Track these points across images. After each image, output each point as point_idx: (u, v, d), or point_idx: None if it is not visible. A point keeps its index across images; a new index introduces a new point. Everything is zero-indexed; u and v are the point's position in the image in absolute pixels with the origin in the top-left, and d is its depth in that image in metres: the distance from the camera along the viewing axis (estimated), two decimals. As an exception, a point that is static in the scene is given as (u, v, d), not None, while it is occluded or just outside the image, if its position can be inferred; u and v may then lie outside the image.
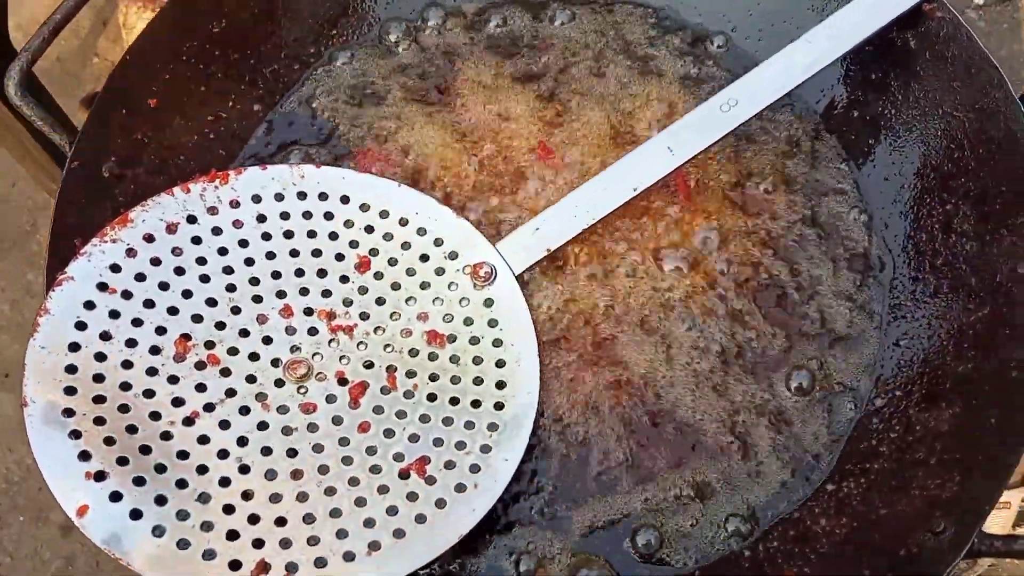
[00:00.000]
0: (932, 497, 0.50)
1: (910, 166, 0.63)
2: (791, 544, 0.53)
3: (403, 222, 0.62)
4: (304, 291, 0.59)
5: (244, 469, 0.52)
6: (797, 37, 0.60)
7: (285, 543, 0.50)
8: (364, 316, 0.59)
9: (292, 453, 0.54)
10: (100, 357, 0.53)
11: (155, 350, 0.55)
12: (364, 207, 0.62)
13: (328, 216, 0.62)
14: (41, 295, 1.27)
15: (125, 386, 0.53)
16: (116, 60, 0.61)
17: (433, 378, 0.57)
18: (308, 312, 0.59)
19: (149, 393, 0.53)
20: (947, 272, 0.58)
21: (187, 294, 0.57)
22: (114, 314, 0.55)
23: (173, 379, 0.54)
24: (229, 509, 0.51)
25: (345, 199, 0.62)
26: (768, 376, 0.59)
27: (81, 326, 0.54)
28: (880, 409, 0.57)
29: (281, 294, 0.59)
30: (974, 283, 0.56)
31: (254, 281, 0.59)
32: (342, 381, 0.57)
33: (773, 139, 0.67)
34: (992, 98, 0.58)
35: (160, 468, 0.51)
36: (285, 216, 0.61)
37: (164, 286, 0.57)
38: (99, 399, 0.52)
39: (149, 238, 0.58)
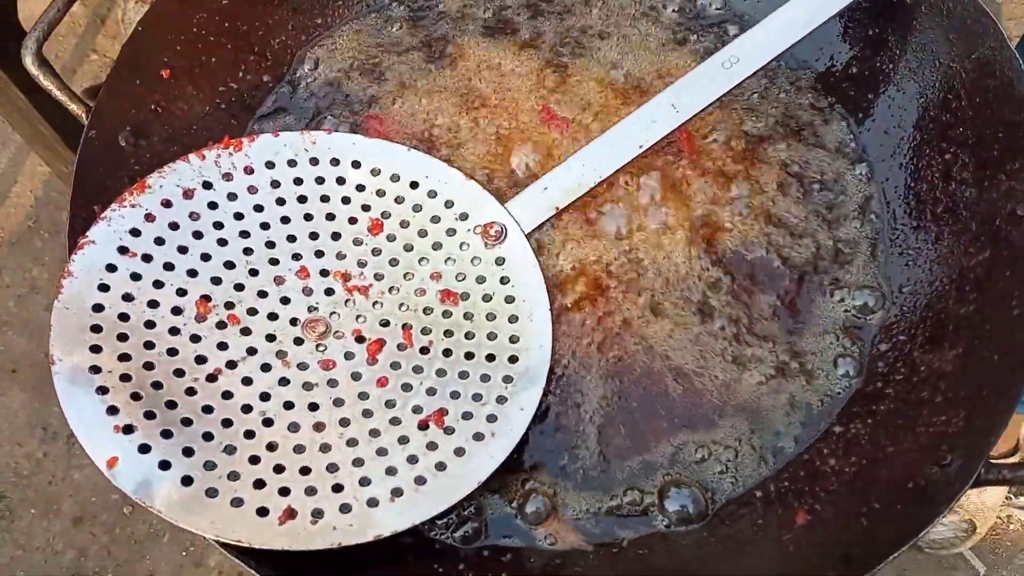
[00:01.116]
0: (938, 433, 0.52)
1: (909, 118, 0.64)
2: (802, 484, 0.55)
3: (414, 185, 0.63)
4: (319, 253, 0.61)
5: (268, 422, 0.54)
6: (795, -4, 0.62)
7: (310, 491, 0.51)
8: (379, 276, 0.61)
9: (313, 407, 0.55)
10: (123, 317, 0.54)
11: (176, 311, 0.56)
12: (375, 171, 0.63)
13: (340, 181, 0.63)
14: (47, 291, 1.28)
15: (149, 345, 0.54)
16: (115, 57, 0.62)
17: (448, 334, 0.59)
18: (324, 273, 0.60)
19: (172, 351, 0.55)
20: (948, 219, 0.60)
21: (205, 257, 0.58)
22: (135, 276, 0.56)
23: (195, 338, 0.56)
24: (255, 460, 0.52)
25: (356, 164, 0.63)
26: (775, 325, 0.60)
27: (104, 288, 0.55)
28: (885, 353, 0.59)
29: (297, 256, 0.60)
30: (974, 228, 0.58)
31: (270, 244, 0.60)
32: (359, 339, 0.58)
33: (774, 95, 0.68)
34: (988, 48, 0.59)
35: (186, 421, 0.52)
36: (298, 181, 0.62)
37: (183, 249, 0.58)
38: (124, 357, 0.53)
39: (167, 203, 0.59)
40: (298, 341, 0.57)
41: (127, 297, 0.55)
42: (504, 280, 0.61)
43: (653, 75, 0.69)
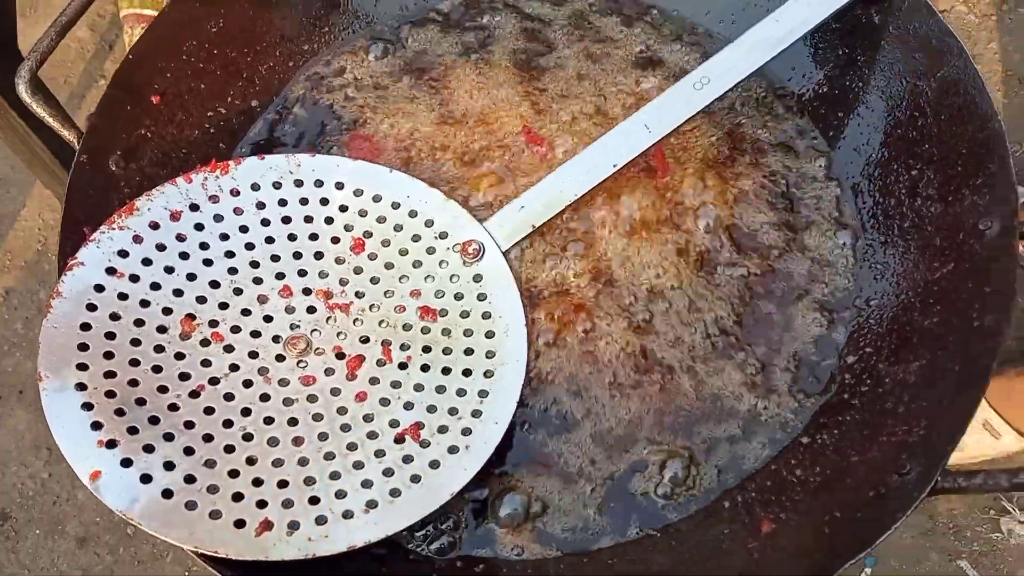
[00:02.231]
0: (899, 443, 0.53)
1: (877, 136, 0.65)
2: (768, 494, 0.56)
3: (395, 205, 0.65)
4: (302, 272, 0.62)
5: (248, 437, 0.55)
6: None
7: (287, 503, 0.53)
8: (359, 294, 0.62)
9: (293, 422, 0.56)
10: (110, 336, 0.56)
11: (162, 329, 0.58)
12: (358, 192, 0.65)
13: (324, 202, 0.65)
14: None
15: (134, 362, 0.56)
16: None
17: (426, 350, 0.60)
18: (306, 292, 0.62)
19: (157, 368, 0.56)
20: (914, 234, 0.61)
21: (191, 277, 0.60)
22: (122, 296, 0.58)
23: (179, 355, 0.57)
24: (234, 473, 0.53)
25: (340, 185, 0.65)
26: (746, 338, 0.62)
27: (92, 307, 0.57)
28: (852, 365, 0.60)
29: (280, 275, 0.62)
30: (939, 242, 0.59)
31: (254, 264, 0.62)
32: (339, 355, 0.60)
33: (746, 115, 0.70)
34: (953, 67, 0.60)
35: (168, 436, 0.54)
36: (283, 203, 0.64)
37: (169, 270, 0.60)
38: (109, 374, 0.55)
39: (154, 225, 0.61)
40: (280, 358, 0.59)
41: (114, 316, 0.57)
42: (481, 296, 0.62)
43: (626, 98, 0.71)
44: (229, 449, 0.54)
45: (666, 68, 0.73)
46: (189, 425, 0.55)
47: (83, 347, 0.55)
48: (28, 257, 1.38)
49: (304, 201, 0.65)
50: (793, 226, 0.65)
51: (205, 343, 0.58)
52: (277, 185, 0.65)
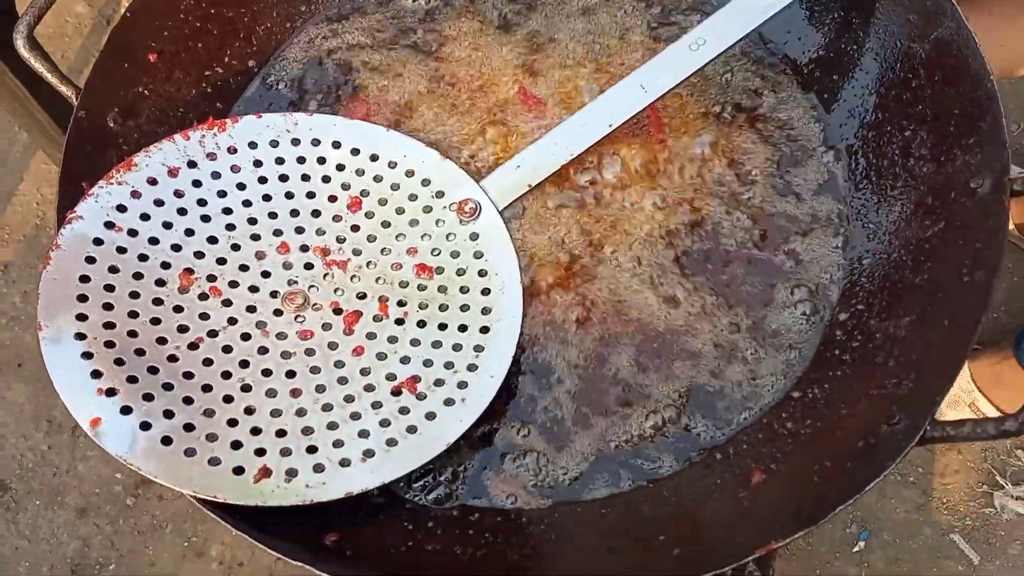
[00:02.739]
0: (889, 395, 0.54)
1: (871, 98, 0.66)
2: (759, 446, 0.57)
3: (392, 164, 0.66)
4: (300, 230, 0.63)
5: (246, 388, 0.56)
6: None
7: (285, 452, 0.53)
8: (357, 252, 0.63)
9: (291, 374, 0.57)
10: (109, 288, 0.57)
11: (160, 282, 0.58)
12: (355, 151, 0.66)
13: (321, 160, 0.65)
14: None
15: (133, 314, 0.56)
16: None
17: (423, 306, 0.61)
18: (304, 249, 0.62)
19: (156, 321, 0.57)
20: (907, 193, 0.62)
21: (189, 232, 0.61)
22: (121, 249, 0.58)
23: (178, 308, 0.58)
24: (233, 422, 0.54)
25: (337, 144, 0.66)
26: (739, 297, 0.62)
27: (90, 260, 0.57)
28: (844, 322, 0.60)
29: (278, 232, 0.62)
30: (930, 201, 0.60)
31: (252, 221, 0.62)
32: (337, 311, 0.60)
33: (741, 77, 0.70)
34: (946, 28, 0.61)
35: (167, 386, 0.54)
36: (280, 161, 0.65)
37: (167, 225, 0.60)
38: (109, 325, 0.55)
39: (152, 181, 0.61)
40: (277, 312, 0.60)
41: (113, 269, 0.58)
42: (478, 254, 0.63)
43: (623, 58, 0.71)
44: (228, 399, 0.55)
45: (661, 31, 0.73)
46: (188, 375, 0.55)
47: (82, 298, 0.56)
48: (26, 231, 1.38)
49: (301, 159, 0.65)
50: (788, 186, 0.66)
51: (203, 297, 0.59)
52: (274, 143, 0.65)
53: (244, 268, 0.61)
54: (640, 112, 0.64)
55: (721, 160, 0.67)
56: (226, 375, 0.56)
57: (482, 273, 0.62)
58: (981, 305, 0.52)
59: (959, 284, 0.54)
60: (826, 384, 0.58)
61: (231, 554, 1.20)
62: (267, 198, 0.64)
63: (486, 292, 0.61)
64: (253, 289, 0.60)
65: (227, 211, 0.62)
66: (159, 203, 0.61)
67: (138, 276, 0.58)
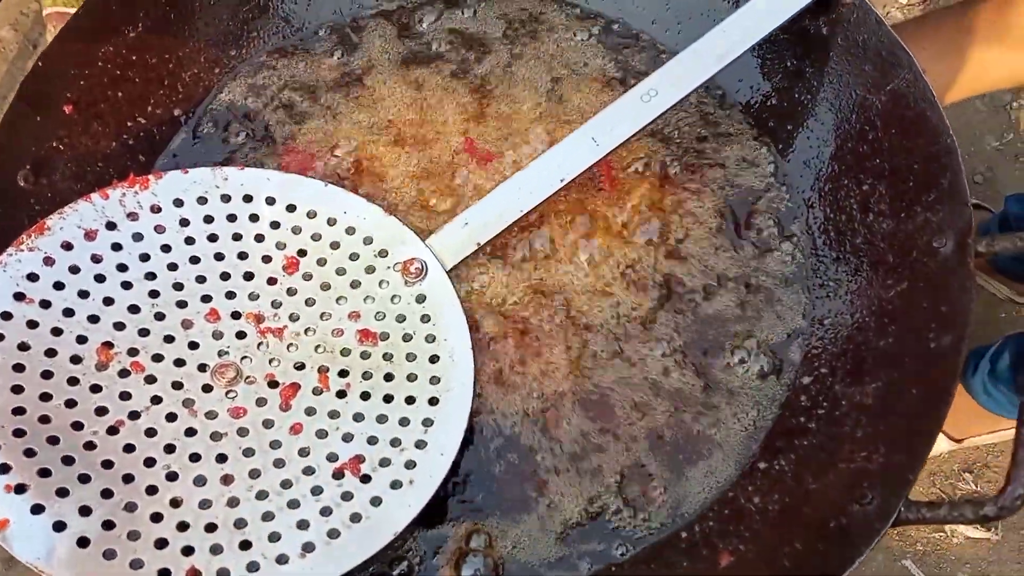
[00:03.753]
0: (859, 469, 0.51)
1: (827, 149, 0.64)
2: (726, 523, 0.54)
3: (331, 222, 0.62)
4: (230, 295, 0.59)
5: (172, 476, 0.51)
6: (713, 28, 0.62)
7: (216, 549, 0.49)
8: (294, 318, 0.59)
9: (222, 458, 0.53)
10: (18, 368, 0.52)
11: (76, 359, 0.54)
12: (291, 208, 0.62)
13: (253, 218, 0.61)
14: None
15: (45, 397, 0.52)
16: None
17: (366, 376, 0.57)
18: (235, 316, 0.58)
19: (71, 403, 0.52)
20: (866, 250, 0.60)
21: (108, 301, 0.56)
22: (32, 324, 0.53)
23: (96, 388, 0.53)
24: (157, 517, 0.49)
25: (271, 200, 0.62)
26: (698, 360, 0.60)
27: (-2, 337, 0.52)
28: (808, 386, 0.58)
29: (207, 298, 0.58)
30: (891, 259, 0.58)
31: (178, 286, 0.58)
32: (272, 384, 0.56)
33: (694, 128, 0.68)
34: (903, 79, 0.59)
35: (84, 478, 0.50)
36: (209, 219, 0.60)
37: (84, 294, 0.56)
38: (18, 411, 0.50)
39: (67, 246, 0.56)
40: (207, 388, 0.55)
41: (23, 346, 0.53)
42: (425, 318, 0.59)
43: (573, 108, 0.69)
44: (151, 490, 0.50)
45: (611, 78, 0.70)
46: (107, 465, 0.51)
47: (-12, 382, 0.50)
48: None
49: (232, 218, 0.61)
50: (741, 242, 0.64)
51: (124, 374, 0.54)
52: (202, 200, 0.60)
53: (169, 339, 0.56)
54: (592, 166, 0.61)
55: (673, 213, 0.64)
56: (150, 462, 0.51)
57: (430, 339, 0.59)
58: (951, 374, 0.50)
59: (926, 350, 0.53)
60: (792, 454, 0.55)
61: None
62: (195, 260, 0.59)
63: (434, 359, 0.58)
64: (179, 363, 0.56)
65: (150, 276, 0.58)
66: (75, 270, 0.56)
67: (51, 353, 0.53)
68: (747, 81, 0.68)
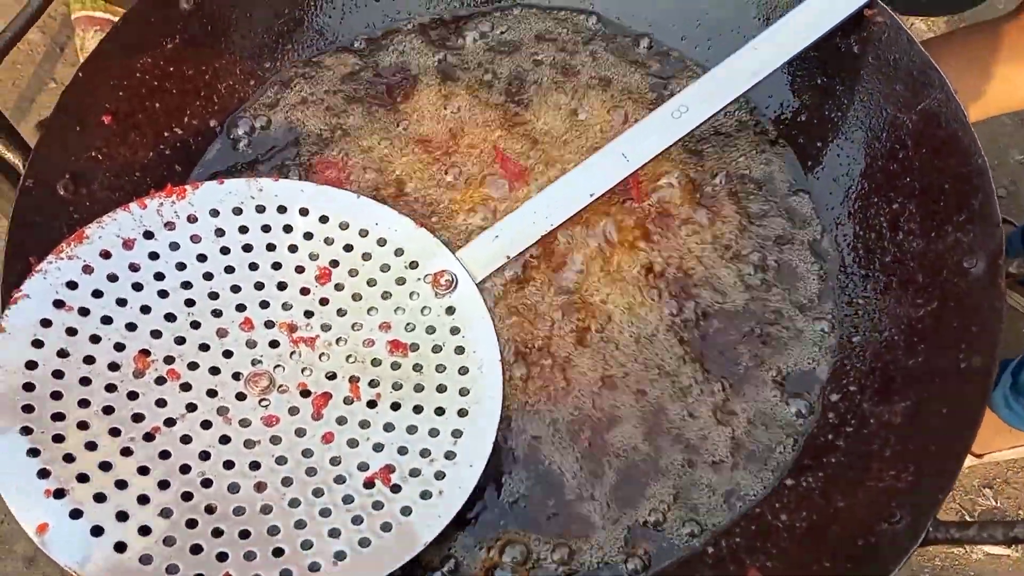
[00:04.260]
0: (888, 488, 0.51)
1: (857, 167, 0.64)
2: (753, 539, 0.54)
3: (363, 233, 0.62)
4: (264, 304, 0.59)
5: (207, 483, 0.52)
6: (743, 45, 0.62)
7: (249, 556, 0.50)
8: (325, 327, 0.59)
9: (255, 466, 0.53)
10: (58, 375, 0.53)
11: (114, 366, 0.54)
12: (323, 219, 0.62)
13: (287, 229, 0.62)
14: None
15: (84, 403, 0.52)
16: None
17: (397, 387, 0.57)
18: (269, 325, 0.59)
19: (108, 410, 0.53)
20: (895, 269, 0.60)
21: (145, 309, 0.57)
22: (71, 331, 0.54)
23: (132, 395, 0.54)
24: (192, 523, 0.50)
25: (304, 211, 0.62)
26: (729, 379, 0.60)
27: (38, 344, 0.53)
28: (836, 404, 0.58)
29: (241, 307, 0.59)
30: (921, 279, 0.58)
31: (213, 295, 0.59)
32: (304, 393, 0.57)
33: (725, 144, 0.68)
34: (934, 99, 0.59)
35: (121, 484, 0.50)
36: (243, 230, 0.61)
37: (122, 302, 0.57)
38: (57, 416, 0.51)
39: (106, 254, 0.57)
40: (240, 396, 0.56)
41: (62, 353, 0.53)
42: (454, 330, 0.60)
43: (604, 125, 0.69)
44: (187, 496, 0.51)
45: (638, 93, 0.71)
46: (143, 471, 0.51)
47: (29, 387, 0.52)
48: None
49: (266, 228, 0.61)
50: (770, 261, 0.64)
51: (160, 381, 0.55)
52: (237, 211, 0.61)
53: (204, 348, 0.57)
54: (622, 181, 0.62)
55: (703, 231, 0.65)
56: (185, 469, 0.52)
57: (459, 350, 0.59)
58: (980, 394, 0.50)
59: (956, 370, 0.53)
60: (820, 472, 0.56)
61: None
62: (230, 270, 0.60)
63: (464, 371, 0.58)
64: (214, 371, 0.56)
65: (186, 285, 0.59)
66: (113, 278, 0.57)
67: (90, 360, 0.54)
68: (777, 98, 0.69)
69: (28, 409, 0.51)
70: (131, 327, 0.56)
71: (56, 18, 1.52)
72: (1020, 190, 1.42)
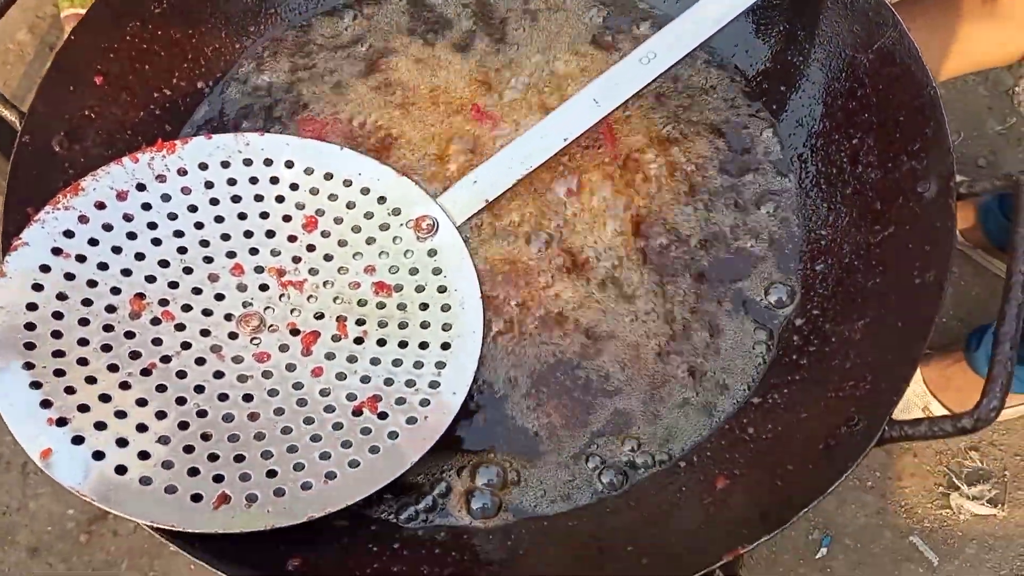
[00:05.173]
0: (847, 397, 0.54)
1: (819, 108, 0.67)
2: (721, 452, 0.57)
3: (347, 183, 0.65)
4: (254, 251, 0.62)
5: (202, 413, 0.55)
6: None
7: (244, 477, 0.52)
8: (313, 271, 0.62)
9: (248, 398, 0.56)
10: (57, 315, 0.55)
11: (111, 308, 0.57)
12: (308, 170, 0.65)
13: (274, 180, 0.65)
14: None
15: (83, 342, 0.55)
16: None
17: (382, 325, 0.60)
18: (258, 270, 0.61)
19: (106, 347, 0.55)
20: (856, 200, 0.63)
21: (140, 256, 0.60)
22: (69, 276, 0.57)
23: (129, 334, 0.57)
24: (189, 449, 0.53)
25: (290, 164, 0.65)
26: (697, 304, 0.63)
27: (38, 287, 0.56)
28: (800, 327, 0.61)
29: (231, 254, 0.62)
30: (879, 207, 0.61)
31: (204, 243, 0.61)
32: (294, 332, 0.59)
33: (692, 89, 0.71)
34: (888, 37, 0.62)
35: (120, 414, 0.53)
36: (232, 182, 0.64)
37: (117, 250, 0.59)
38: (58, 353, 0.54)
39: (100, 205, 0.60)
40: (232, 335, 0.58)
41: (61, 296, 0.56)
42: (436, 271, 0.62)
43: (575, 75, 0.72)
44: (183, 425, 0.54)
45: (608, 45, 0.74)
46: (141, 402, 0.54)
47: (30, 326, 0.54)
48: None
49: (254, 180, 0.64)
50: (739, 200, 0.67)
51: (155, 322, 0.58)
52: (225, 164, 0.64)
53: (197, 291, 0.60)
54: (594, 126, 0.64)
55: (674, 173, 0.67)
56: (181, 400, 0.55)
57: (441, 289, 0.62)
58: (934, 305, 0.53)
59: (911, 286, 0.55)
60: (785, 389, 0.58)
61: (189, 590, 1.17)
62: (219, 219, 0.63)
63: (446, 308, 0.61)
64: (207, 312, 0.59)
65: (178, 234, 0.61)
66: (108, 227, 0.59)
67: (87, 303, 0.57)
68: (742, 45, 0.72)
69: (29, 346, 0.53)
70: (126, 272, 0.59)
71: (45, 19, 1.53)
72: (999, 160, 1.44)
